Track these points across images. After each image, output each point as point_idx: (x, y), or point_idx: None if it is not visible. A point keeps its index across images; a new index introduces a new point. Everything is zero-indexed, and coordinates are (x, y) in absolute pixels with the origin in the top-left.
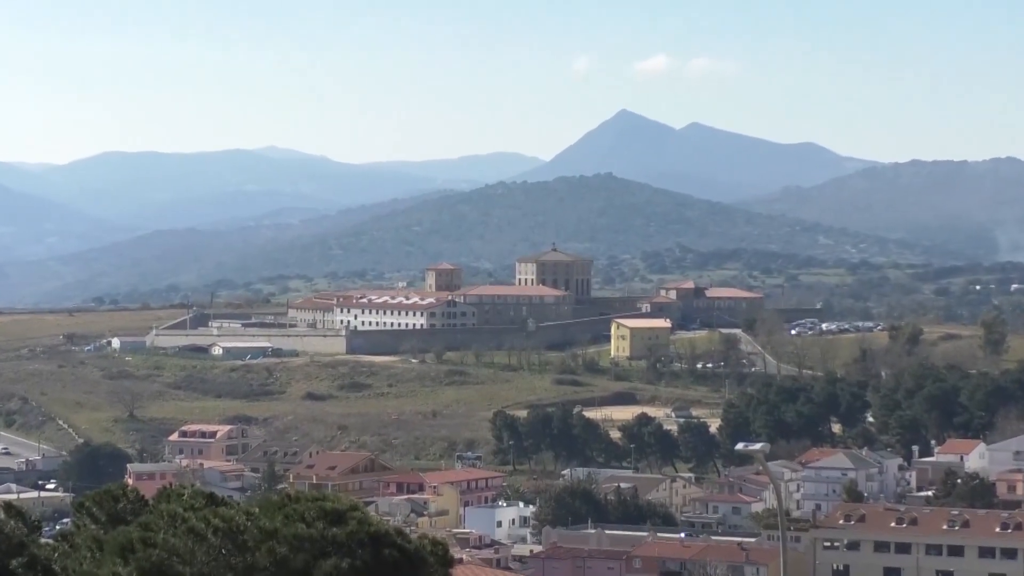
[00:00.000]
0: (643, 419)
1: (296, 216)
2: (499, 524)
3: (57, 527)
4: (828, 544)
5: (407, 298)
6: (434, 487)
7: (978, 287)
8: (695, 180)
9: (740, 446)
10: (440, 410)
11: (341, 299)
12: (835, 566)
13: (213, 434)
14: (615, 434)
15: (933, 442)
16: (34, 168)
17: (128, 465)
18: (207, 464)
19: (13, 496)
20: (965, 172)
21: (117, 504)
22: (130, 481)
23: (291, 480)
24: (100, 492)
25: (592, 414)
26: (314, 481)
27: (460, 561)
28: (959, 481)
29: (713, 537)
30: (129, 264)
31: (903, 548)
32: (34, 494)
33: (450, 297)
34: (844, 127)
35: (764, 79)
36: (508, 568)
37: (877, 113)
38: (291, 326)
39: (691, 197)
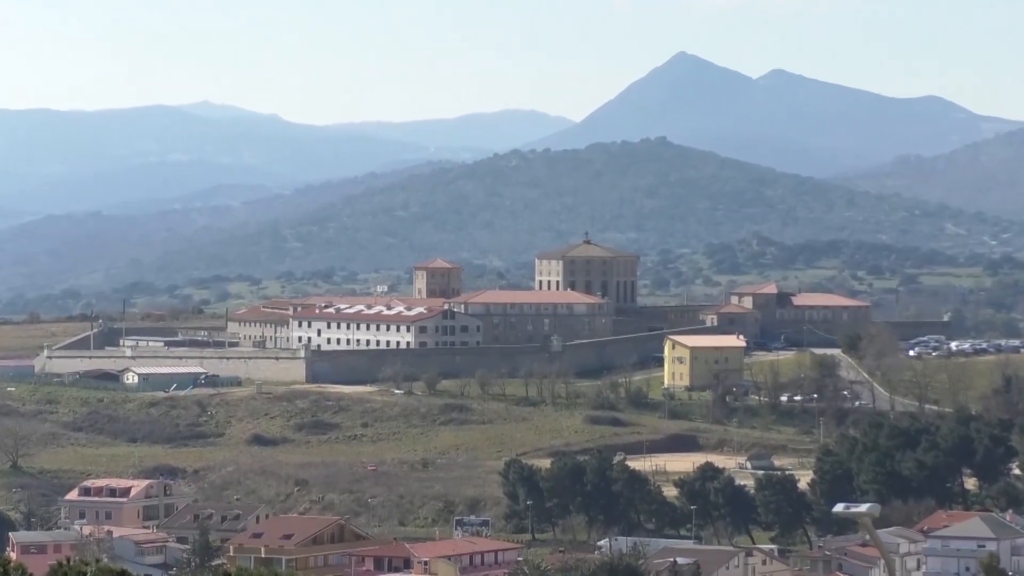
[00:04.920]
0: (708, 471)
1: (238, 196)
2: None
3: None
4: None
5: (388, 307)
6: (425, 563)
7: None
8: (778, 147)
9: (840, 508)
10: (433, 459)
11: (299, 309)
12: None
13: (126, 492)
14: (670, 491)
15: None
16: None
17: (11, 534)
18: (117, 532)
19: None
20: None
21: None
22: (13, 555)
23: (231, 554)
24: None
25: (639, 464)
26: (262, 555)
27: None
28: None
29: None
30: (12, 261)
31: None
32: None
33: (446, 306)
34: (980, 77)
35: (872, 13)
36: None
37: None
38: (232, 345)
39: (772, 170)
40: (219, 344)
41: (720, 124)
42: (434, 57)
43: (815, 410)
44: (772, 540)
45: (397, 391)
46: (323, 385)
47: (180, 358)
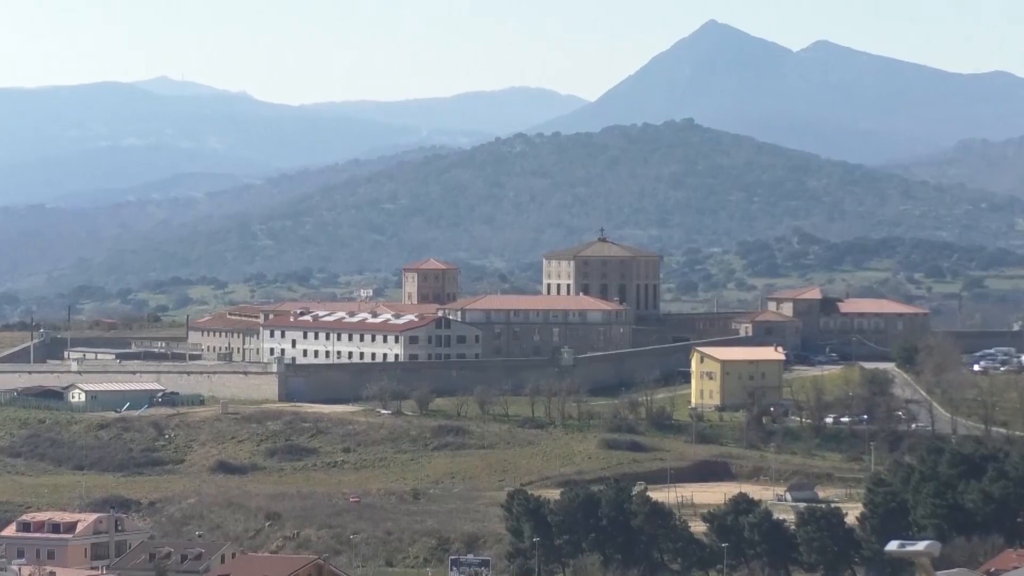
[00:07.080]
0: (741, 503)
1: (201, 186)
2: None
3: None
4: None
5: (374, 315)
6: None
7: None
8: (823, 130)
9: (894, 546)
10: (425, 489)
11: (271, 316)
12: None
13: (71, 527)
14: (698, 526)
15: None
16: None
17: None
18: (61, 573)
19: None
20: None
21: None
22: None
23: None
24: None
25: (662, 495)
26: None
27: None
28: None
29: None
30: None
31: None
32: None
33: (441, 313)
34: None
35: None
36: None
37: None
38: (193, 358)
39: (816, 157)
40: (179, 357)
41: (756, 104)
42: (428, 27)
43: (865, 433)
44: None
45: (384, 411)
46: (299, 404)
47: (134, 373)
